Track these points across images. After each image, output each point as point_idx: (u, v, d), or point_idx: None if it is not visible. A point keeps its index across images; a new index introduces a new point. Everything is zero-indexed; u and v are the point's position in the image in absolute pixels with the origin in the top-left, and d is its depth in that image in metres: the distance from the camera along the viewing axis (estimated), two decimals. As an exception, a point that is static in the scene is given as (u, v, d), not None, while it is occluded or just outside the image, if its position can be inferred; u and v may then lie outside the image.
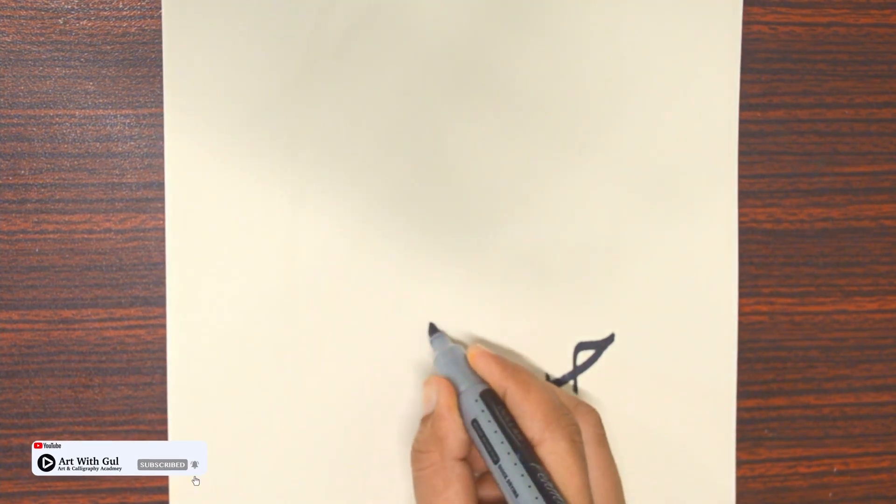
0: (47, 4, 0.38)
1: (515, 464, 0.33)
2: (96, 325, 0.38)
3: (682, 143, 0.40)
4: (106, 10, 0.38)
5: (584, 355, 0.40)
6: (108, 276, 0.38)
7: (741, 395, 0.41)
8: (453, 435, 0.34)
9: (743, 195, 0.41)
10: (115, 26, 0.38)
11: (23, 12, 0.38)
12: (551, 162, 0.40)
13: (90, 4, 0.38)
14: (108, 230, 0.38)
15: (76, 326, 0.38)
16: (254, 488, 0.39)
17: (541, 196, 0.40)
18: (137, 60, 0.38)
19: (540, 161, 0.39)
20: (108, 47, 0.38)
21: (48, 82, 0.38)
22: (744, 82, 0.40)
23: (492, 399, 0.35)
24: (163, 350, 0.38)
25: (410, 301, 0.39)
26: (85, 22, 0.38)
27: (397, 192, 0.39)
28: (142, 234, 0.38)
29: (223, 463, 0.39)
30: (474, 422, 0.34)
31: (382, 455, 0.39)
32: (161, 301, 0.38)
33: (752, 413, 0.41)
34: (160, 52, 0.38)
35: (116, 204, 0.38)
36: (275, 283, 0.39)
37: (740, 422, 0.41)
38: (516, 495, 0.32)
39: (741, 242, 0.41)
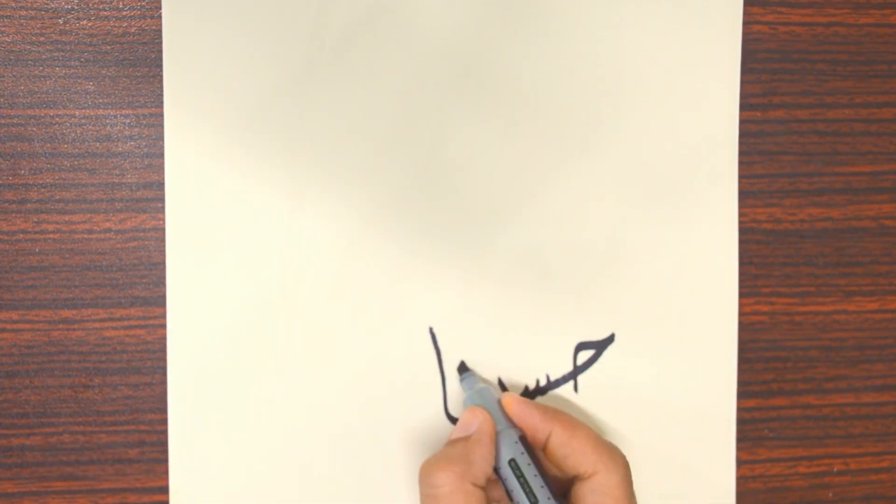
0: (47, 4, 0.38)
1: None
2: (96, 325, 0.38)
3: (682, 143, 0.40)
4: (106, 10, 0.38)
5: (584, 355, 0.40)
6: (108, 276, 0.38)
7: (741, 395, 0.41)
8: (484, 462, 0.35)
9: (743, 195, 0.41)
10: (115, 26, 0.38)
11: (23, 12, 0.38)
12: (551, 162, 0.40)
13: (90, 4, 0.38)
14: (108, 230, 0.38)
15: (76, 326, 0.38)
16: (254, 488, 0.39)
17: (541, 196, 0.40)
18: (137, 60, 0.38)
19: (540, 161, 0.39)
20: (108, 47, 0.38)
21: (48, 82, 0.38)
22: (744, 82, 0.40)
23: (529, 445, 0.36)
24: (163, 350, 0.38)
25: (410, 301, 0.39)
26: (85, 22, 0.38)
27: (397, 192, 0.39)
28: (142, 234, 0.38)
29: (223, 463, 0.39)
30: (512, 461, 0.35)
31: (382, 455, 0.39)
32: (161, 301, 0.38)
33: (752, 413, 0.41)
34: (160, 52, 0.38)
35: (116, 204, 0.38)
36: (275, 282, 0.39)
37: (740, 422, 0.41)
38: None
39: (741, 242, 0.41)
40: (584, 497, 0.35)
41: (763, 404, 0.41)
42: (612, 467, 0.35)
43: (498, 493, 0.36)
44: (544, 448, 0.36)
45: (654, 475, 0.40)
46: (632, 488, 0.35)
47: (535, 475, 0.35)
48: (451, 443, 0.36)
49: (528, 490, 0.34)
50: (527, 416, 0.36)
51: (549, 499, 0.34)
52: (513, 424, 0.36)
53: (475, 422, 0.36)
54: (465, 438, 0.36)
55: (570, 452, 0.35)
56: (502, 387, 0.40)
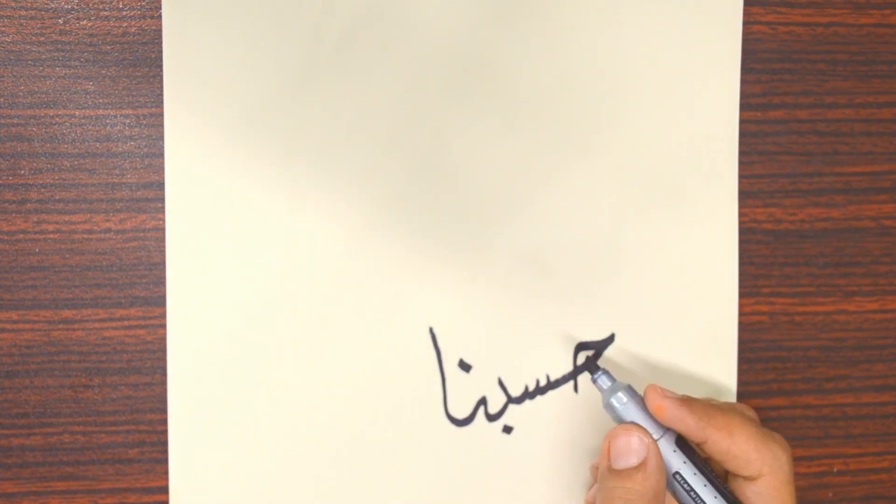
0: (47, 4, 0.38)
1: None
2: (96, 325, 0.38)
3: (682, 142, 0.40)
4: (106, 10, 0.38)
5: (584, 355, 0.40)
6: (108, 276, 0.38)
7: (741, 395, 0.41)
8: (664, 486, 0.33)
9: (743, 195, 0.41)
10: (115, 26, 0.38)
11: (23, 12, 0.38)
12: (551, 162, 0.40)
13: (90, 4, 0.38)
14: (108, 230, 0.38)
15: (76, 326, 0.38)
16: (254, 488, 0.39)
17: (541, 196, 0.40)
18: (137, 60, 0.38)
19: (540, 161, 0.39)
20: (108, 47, 0.38)
21: (48, 82, 0.38)
22: (744, 82, 0.40)
23: (687, 447, 0.33)
24: (163, 350, 0.38)
25: (410, 301, 0.39)
26: (85, 22, 0.38)
27: (397, 192, 0.39)
28: (142, 234, 0.38)
29: (223, 463, 0.39)
30: (676, 474, 0.33)
31: (382, 455, 0.39)
32: (161, 301, 0.38)
33: (752, 413, 0.41)
34: (160, 52, 0.38)
35: (116, 204, 0.38)
36: (275, 282, 0.39)
37: (740, 422, 0.41)
38: None
39: (741, 242, 0.41)
40: (747, 498, 0.33)
41: (763, 404, 0.41)
42: (777, 468, 0.33)
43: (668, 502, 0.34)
44: (702, 447, 0.34)
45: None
46: (793, 481, 0.33)
47: (705, 485, 0.32)
48: (628, 475, 0.32)
49: (700, 502, 0.33)
50: (681, 423, 0.33)
51: None
52: (666, 428, 0.34)
53: (641, 448, 0.32)
54: (642, 469, 0.32)
55: (730, 459, 0.33)
56: (502, 387, 0.40)
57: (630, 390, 0.35)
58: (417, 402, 0.39)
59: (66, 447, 0.39)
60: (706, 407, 0.33)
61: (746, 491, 0.33)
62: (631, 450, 0.33)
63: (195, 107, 0.38)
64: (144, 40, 0.38)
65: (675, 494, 0.34)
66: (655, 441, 0.33)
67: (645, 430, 0.33)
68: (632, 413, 0.34)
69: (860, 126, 0.41)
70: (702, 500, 0.33)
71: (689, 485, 0.33)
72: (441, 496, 0.40)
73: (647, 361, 0.40)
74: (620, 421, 0.34)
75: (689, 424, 0.33)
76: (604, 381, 0.35)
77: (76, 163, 0.38)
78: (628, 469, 0.33)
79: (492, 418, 0.40)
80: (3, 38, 0.38)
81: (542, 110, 0.39)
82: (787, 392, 0.41)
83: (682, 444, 0.34)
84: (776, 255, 0.41)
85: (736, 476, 0.34)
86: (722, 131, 0.40)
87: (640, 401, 0.34)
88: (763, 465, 0.33)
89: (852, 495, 0.42)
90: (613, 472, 0.33)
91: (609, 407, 0.35)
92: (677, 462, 0.33)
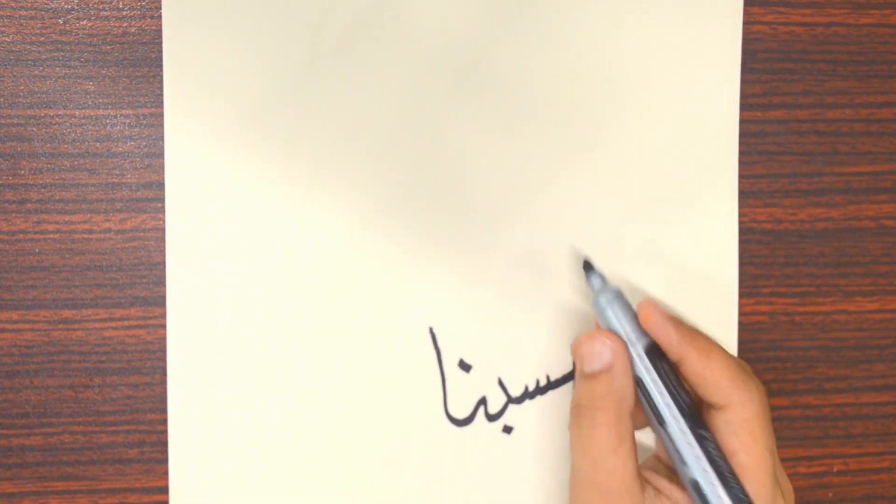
0: (47, 4, 0.38)
1: (683, 431, 0.32)
2: (96, 325, 0.38)
3: (682, 142, 0.40)
4: (106, 10, 0.38)
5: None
6: (108, 276, 0.38)
7: (741, 395, 0.41)
8: (630, 392, 0.33)
9: (743, 195, 0.41)
10: (115, 26, 0.38)
11: (23, 12, 0.38)
12: (551, 162, 0.40)
13: (90, 4, 0.38)
14: (108, 230, 0.38)
15: (76, 326, 0.38)
16: (254, 488, 0.39)
17: (541, 196, 0.40)
18: (137, 60, 0.38)
19: (540, 161, 0.39)
20: (108, 47, 0.38)
21: (48, 82, 0.38)
22: (744, 82, 0.40)
23: (657, 356, 0.33)
24: (163, 350, 0.39)
25: (410, 301, 0.39)
26: (85, 22, 0.38)
27: (397, 192, 0.39)
28: (142, 234, 0.38)
29: (223, 463, 0.39)
30: (638, 380, 0.33)
31: (382, 455, 0.39)
32: (161, 301, 0.38)
33: (752, 413, 0.41)
34: (160, 52, 0.38)
35: (116, 204, 0.38)
36: (275, 282, 0.39)
37: (740, 422, 0.41)
38: (684, 464, 0.32)
39: (741, 242, 0.41)
40: (717, 427, 0.32)
41: (763, 404, 0.41)
42: (746, 400, 0.32)
43: (640, 414, 0.34)
44: (679, 367, 0.34)
45: (654, 475, 0.40)
46: (769, 419, 0.33)
47: (662, 393, 0.32)
48: (595, 377, 0.33)
49: (655, 411, 0.32)
50: (661, 335, 0.33)
51: (676, 419, 0.32)
52: (644, 333, 0.34)
53: (608, 353, 0.33)
54: (608, 372, 0.33)
55: (702, 382, 0.33)
56: (502, 387, 0.40)
57: (620, 294, 0.35)
58: (417, 402, 0.39)
59: (66, 447, 0.39)
60: (692, 328, 0.34)
61: (716, 420, 0.33)
62: (594, 353, 0.33)
63: (195, 107, 0.38)
64: (144, 40, 0.38)
65: (640, 402, 0.34)
66: (624, 346, 0.33)
67: (611, 334, 0.33)
68: (617, 314, 0.34)
69: (860, 126, 0.41)
70: (656, 408, 0.33)
71: (647, 391, 0.33)
72: (441, 496, 0.40)
73: (647, 361, 0.40)
74: (606, 323, 0.34)
75: (671, 336, 0.33)
76: (595, 281, 0.35)
77: (76, 163, 0.38)
78: (594, 372, 0.33)
79: (492, 418, 0.40)
80: (3, 38, 0.38)
81: (543, 110, 0.39)
82: (787, 392, 0.41)
83: (653, 354, 0.33)
84: (776, 255, 0.41)
85: (709, 406, 0.33)
86: (722, 131, 0.40)
87: (628, 306, 0.34)
88: (733, 395, 0.32)
89: (852, 495, 0.42)
90: (584, 375, 0.33)
91: (596, 305, 0.35)
92: (640, 369, 0.33)
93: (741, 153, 0.40)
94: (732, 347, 0.40)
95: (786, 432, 0.41)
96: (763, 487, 0.32)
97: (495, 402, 0.40)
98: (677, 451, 0.32)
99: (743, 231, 0.41)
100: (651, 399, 0.33)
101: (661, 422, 0.33)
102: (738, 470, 0.32)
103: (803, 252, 0.41)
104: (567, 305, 0.40)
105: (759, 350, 0.41)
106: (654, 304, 0.34)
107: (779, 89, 0.41)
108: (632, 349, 0.33)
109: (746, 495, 0.31)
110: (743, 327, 0.41)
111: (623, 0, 0.39)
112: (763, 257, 0.41)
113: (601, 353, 0.33)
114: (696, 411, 0.33)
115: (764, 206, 0.41)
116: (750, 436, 0.32)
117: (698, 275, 0.40)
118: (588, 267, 0.36)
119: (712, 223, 0.40)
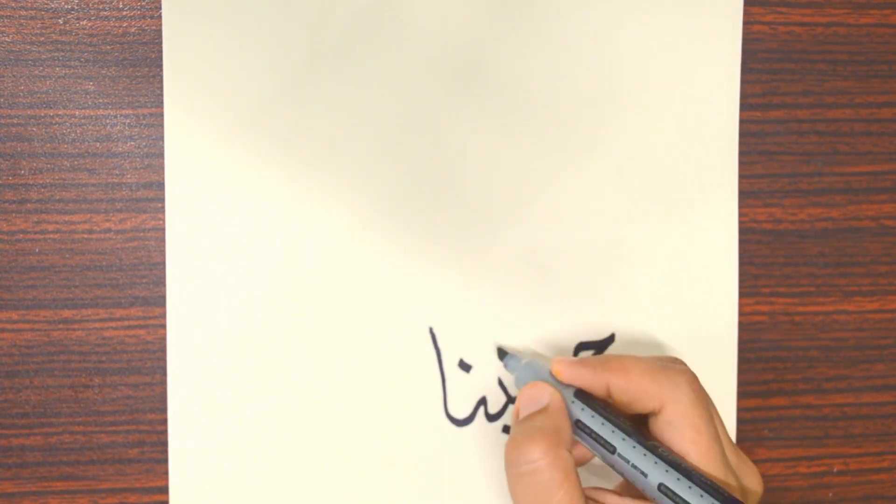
0: (47, 4, 0.38)
1: (634, 447, 0.33)
2: (96, 325, 0.38)
3: (682, 142, 0.40)
4: (106, 10, 0.38)
5: (584, 355, 0.40)
6: (108, 276, 0.38)
7: (741, 395, 0.41)
8: (567, 428, 0.34)
9: (743, 195, 0.41)
10: (115, 26, 0.38)
11: (23, 12, 0.38)
12: (551, 162, 0.40)
13: (90, 4, 0.38)
14: (108, 230, 0.38)
15: (76, 326, 0.38)
16: (254, 488, 0.39)
17: (541, 196, 0.40)
18: (137, 60, 0.38)
19: (540, 161, 0.39)
20: (108, 47, 0.38)
21: (48, 82, 0.38)
22: (744, 82, 0.40)
23: (587, 396, 0.34)
24: (163, 350, 0.39)
25: (411, 301, 0.39)
26: (85, 22, 0.38)
27: (397, 192, 0.39)
28: (142, 234, 0.38)
29: (223, 463, 0.39)
30: (577, 422, 0.34)
31: (382, 455, 0.39)
32: (161, 301, 0.38)
33: (752, 413, 0.41)
34: (160, 52, 0.38)
35: (116, 204, 0.38)
36: (275, 282, 0.39)
37: (740, 422, 0.41)
38: (645, 475, 0.32)
39: (741, 242, 0.41)
40: (661, 432, 0.33)
41: (763, 404, 0.41)
42: (677, 395, 0.33)
43: (578, 451, 0.35)
44: (609, 400, 0.35)
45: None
46: (704, 402, 0.33)
47: (603, 424, 0.33)
48: (530, 417, 0.34)
49: (603, 442, 0.33)
50: (579, 378, 0.35)
51: (623, 440, 0.33)
52: (566, 386, 0.35)
53: (544, 394, 0.34)
54: (543, 411, 0.34)
55: (633, 397, 0.33)
56: (502, 387, 0.40)
57: (535, 361, 0.37)
58: (417, 402, 0.39)
59: (66, 447, 0.39)
60: (601, 358, 0.35)
61: (658, 427, 0.33)
62: (532, 399, 0.35)
63: (195, 107, 0.38)
64: (144, 40, 0.38)
65: (584, 444, 0.34)
66: (559, 393, 0.35)
67: (548, 385, 0.35)
68: (540, 378, 0.36)
69: (860, 126, 0.41)
70: (603, 439, 0.33)
71: (589, 428, 0.34)
72: (441, 496, 0.40)
73: (647, 361, 0.40)
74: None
75: (586, 376, 0.34)
76: (512, 363, 0.37)
77: (76, 163, 0.38)
78: (530, 413, 0.34)
79: (492, 418, 0.40)
80: (3, 38, 0.38)
81: (543, 110, 0.39)
82: (787, 392, 0.41)
83: (583, 396, 0.35)
84: (776, 255, 0.41)
85: (651, 415, 0.34)
86: (722, 131, 0.40)
87: (545, 367, 0.36)
88: (663, 394, 0.33)
89: (852, 495, 0.42)
90: (520, 420, 0.35)
91: (519, 382, 0.37)
92: (576, 411, 0.34)
93: (741, 153, 0.40)
94: (732, 347, 0.41)
95: (786, 432, 0.41)
96: (717, 479, 0.32)
97: (495, 402, 0.40)
98: (635, 468, 0.33)
99: (743, 231, 0.41)
100: (595, 433, 0.34)
101: (612, 450, 0.33)
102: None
103: (803, 252, 0.41)
104: (567, 305, 0.40)
105: (759, 350, 0.41)
106: (560, 359, 0.35)
107: (779, 89, 0.41)
108: (564, 394, 0.35)
109: (714, 483, 0.31)
110: (743, 327, 0.41)
111: (623, 0, 0.39)
112: (763, 257, 0.41)
113: (539, 397, 0.34)
114: (640, 430, 0.34)
115: (764, 206, 0.41)
116: (693, 430, 0.32)
117: (698, 275, 0.40)
118: (502, 354, 0.38)
119: (712, 223, 0.40)
